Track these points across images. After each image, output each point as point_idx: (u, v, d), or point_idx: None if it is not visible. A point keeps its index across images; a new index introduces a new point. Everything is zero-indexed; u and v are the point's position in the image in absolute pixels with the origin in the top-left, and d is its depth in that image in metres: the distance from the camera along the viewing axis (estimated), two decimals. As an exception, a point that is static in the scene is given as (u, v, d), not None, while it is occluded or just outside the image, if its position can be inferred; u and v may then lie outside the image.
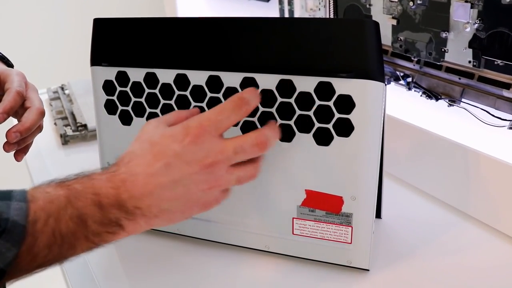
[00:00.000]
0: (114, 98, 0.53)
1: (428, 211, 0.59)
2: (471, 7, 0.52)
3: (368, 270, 0.49)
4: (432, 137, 0.59)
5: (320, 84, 0.44)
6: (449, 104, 0.58)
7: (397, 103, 0.64)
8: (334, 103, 0.44)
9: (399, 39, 0.62)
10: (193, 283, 0.50)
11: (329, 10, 0.71)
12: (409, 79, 0.63)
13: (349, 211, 0.46)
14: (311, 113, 0.45)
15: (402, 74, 0.63)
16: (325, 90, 0.44)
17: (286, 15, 0.84)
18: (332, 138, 0.45)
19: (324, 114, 0.44)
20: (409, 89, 0.63)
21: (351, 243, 0.48)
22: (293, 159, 0.47)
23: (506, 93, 0.51)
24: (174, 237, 0.56)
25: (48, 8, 1.82)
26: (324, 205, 0.47)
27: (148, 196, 0.37)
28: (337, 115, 0.44)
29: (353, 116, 0.43)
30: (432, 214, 0.58)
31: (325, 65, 0.43)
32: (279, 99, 0.46)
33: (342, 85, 0.43)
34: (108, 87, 0.53)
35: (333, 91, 0.44)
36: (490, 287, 0.47)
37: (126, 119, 0.53)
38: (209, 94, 0.48)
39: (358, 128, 0.44)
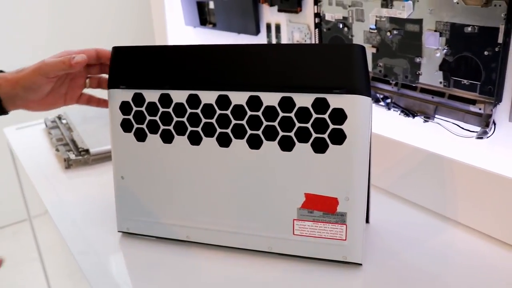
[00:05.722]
0: (130, 117, 0.59)
1: (410, 216, 0.66)
2: (440, 36, 0.60)
3: (361, 264, 0.55)
4: (411, 149, 0.66)
5: (317, 100, 0.51)
6: (424, 120, 0.66)
7: (379, 122, 0.72)
8: (329, 116, 0.51)
9: (378, 65, 0.70)
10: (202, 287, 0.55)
11: (315, 42, 0.80)
12: (388, 100, 0.71)
13: (344, 210, 0.53)
14: (309, 125, 0.52)
15: (382, 96, 0.72)
16: (320, 105, 0.51)
17: (274, 47, 0.92)
18: (327, 146, 0.52)
19: (320, 125, 0.51)
20: (389, 109, 0.71)
21: (345, 240, 0.54)
22: (293, 166, 0.53)
23: (472, 108, 0.60)
24: (181, 243, 0.61)
25: (31, 38, 1.86)
26: (321, 206, 0.54)
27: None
28: (331, 126, 0.51)
29: (345, 127, 0.51)
30: (413, 218, 0.65)
31: (321, 83, 0.51)
32: (281, 114, 0.53)
33: (335, 100, 0.50)
34: (124, 107, 0.59)
35: (327, 105, 0.51)
36: (467, 278, 0.54)
37: (141, 136, 0.59)
38: (218, 111, 0.55)
39: (350, 136, 0.51)
